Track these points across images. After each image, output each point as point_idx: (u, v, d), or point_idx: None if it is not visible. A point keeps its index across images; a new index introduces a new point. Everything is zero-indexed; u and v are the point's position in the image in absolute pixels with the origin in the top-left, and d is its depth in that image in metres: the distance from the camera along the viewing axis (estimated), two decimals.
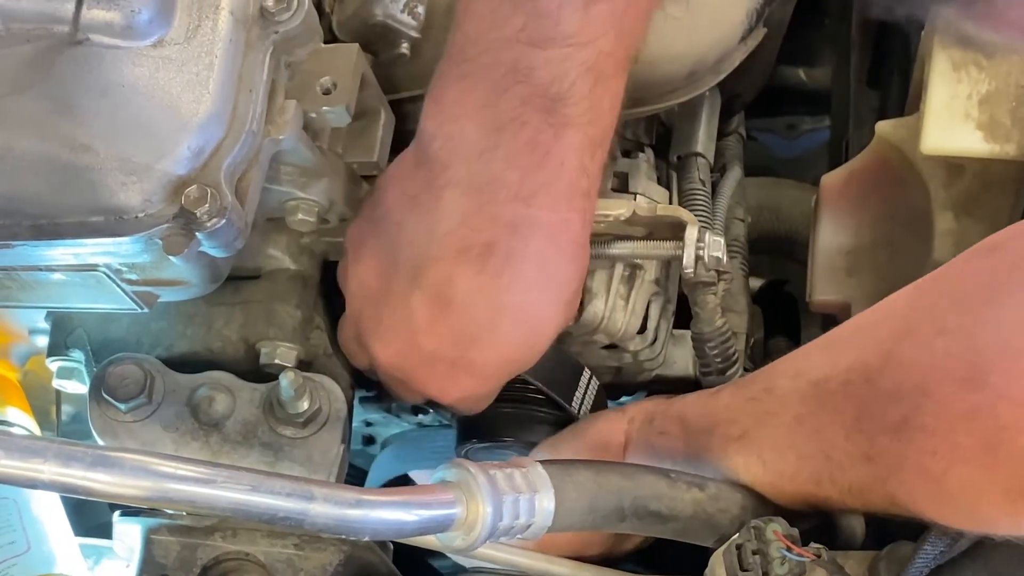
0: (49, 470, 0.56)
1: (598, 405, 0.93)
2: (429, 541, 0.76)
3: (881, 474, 0.71)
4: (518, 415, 0.92)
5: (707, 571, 0.76)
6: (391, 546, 0.89)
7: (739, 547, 0.74)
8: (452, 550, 0.68)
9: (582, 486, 0.71)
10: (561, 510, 0.69)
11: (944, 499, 0.68)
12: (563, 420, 0.92)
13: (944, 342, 0.68)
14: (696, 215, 0.91)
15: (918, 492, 0.70)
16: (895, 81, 1.10)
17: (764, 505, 0.79)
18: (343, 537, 0.82)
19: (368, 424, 1.08)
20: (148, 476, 0.58)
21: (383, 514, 0.62)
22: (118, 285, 0.76)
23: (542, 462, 0.71)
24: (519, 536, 0.69)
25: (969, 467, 0.66)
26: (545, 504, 0.68)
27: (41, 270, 0.75)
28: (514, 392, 0.90)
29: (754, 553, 0.74)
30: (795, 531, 0.75)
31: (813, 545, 0.75)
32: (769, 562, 0.73)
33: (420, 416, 1.05)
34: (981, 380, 0.66)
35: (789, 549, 0.73)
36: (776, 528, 0.74)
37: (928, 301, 0.73)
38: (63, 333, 0.89)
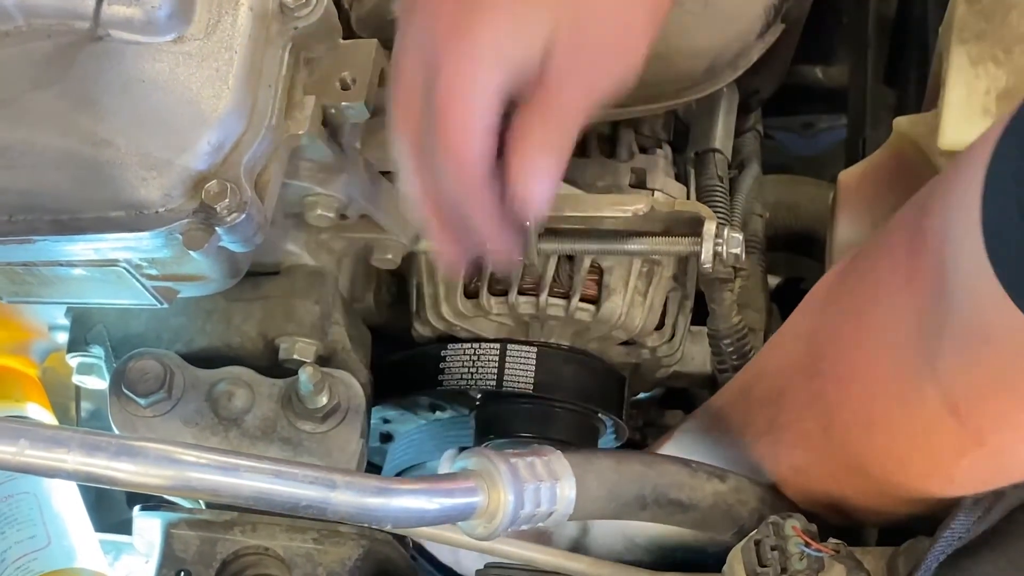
0: (73, 459, 0.57)
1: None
2: (447, 537, 0.77)
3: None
4: (536, 410, 0.92)
5: (725, 567, 0.77)
6: (410, 541, 0.89)
7: (757, 543, 0.74)
8: (473, 538, 0.68)
9: (603, 474, 0.71)
10: (582, 498, 0.69)
11: (812, 487, 0.75)
12: (582, 415, 0.92)
13: (795, 345, 0.76)
14: (714, 211, 0.91)
15: (789, 487, 0.78)
16: (912, 78, 1.10)
17: (784, 500, 0.79)
18: (364, 529, 0.82)
19: (386, 421, 1.08)
20: (171, 465, 0.58)
21: (405, 502, 0.62)
22: (138, 280, 0.76)
23: (563, 450, 0.71)
24: (540, 524, 0.69)
25: (815, 451, 0.74)
26: (566, 492, 0.69)
27: (61, 265, 0.75)
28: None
29: (772, 549, 0.74)
30: (813, 527, 0.75)
31: (832, 541, 0.75)
32: (788, 558, 0.73)
33: (437, 412, 1.05)
34: (816, 369, 0.72)
35: (808, 545, 0.73)
36: (795, 524, 0.74)
37: (797, 311, 0.79)
38: (83, 329, 0.89)
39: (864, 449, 0.72)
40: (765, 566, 0.73)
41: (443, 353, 0.93)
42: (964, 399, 0.63)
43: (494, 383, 0.91)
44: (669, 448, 0.89)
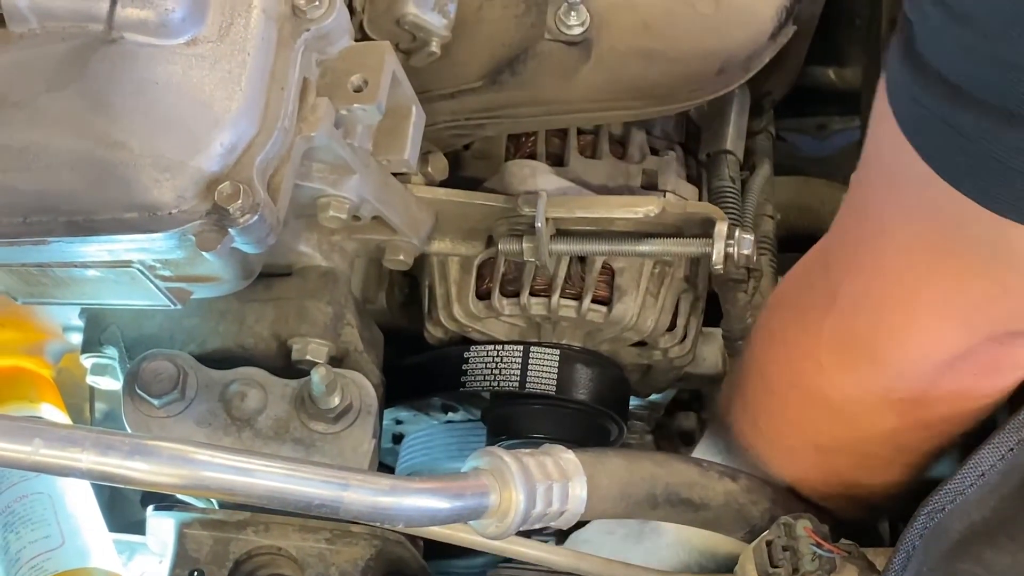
0: (87, 459, 0.57)
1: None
2: (459, 537, 0.77)
3: None
4: (548, 412, 0.92)
5: (737, 567, 0.77)
6: (421, 542, 0.89)
7: (769, 543, 0.74)
8: (485, 537, 0.68)
9: (614, 473, 0.71)
10: (594, 497, 0.69)
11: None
12: (593, 417, 0.93)
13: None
14: (726, 212, 0.91)
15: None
16: None
17: (796, 500, 0.79)
18: (376, 529, 0.83)
19: (398, 422, 1.08)
20: (185, 464, 0.58)
21: (417, 501, 0.62)
22: (152, 281, 0.76)
23: (574, 449, 0.71)
24: (552, 524, 0.69)
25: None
26: (578, 491, 0.69)
27: (76, 267, 0.76)
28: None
29: (784, 549, 0.74)
30: (825, 528, 0.75)
31: (843, 541, 0.75)
32: (799, 558, 0.73)
33: (449, 414, 1.06)
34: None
35: (819, 545, 0.73)
36: (806, 524, 0.74)
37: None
38: (97, 330, 0.90)
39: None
40: (777, 567, 0.73)
41: (466, 355, 0.93)
42: (831, 249, 0.74)
43: (517, 384, 0.91)
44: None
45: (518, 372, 0.91)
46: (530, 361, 0.92)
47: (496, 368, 0.92)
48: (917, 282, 0.66)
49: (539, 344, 0.92)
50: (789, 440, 0.81)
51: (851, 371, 0.74)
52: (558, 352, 0.92)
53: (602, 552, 0.85)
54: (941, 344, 0.69)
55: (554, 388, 0.91)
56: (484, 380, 0.93)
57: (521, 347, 0.92)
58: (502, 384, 0.92)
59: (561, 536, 0.96)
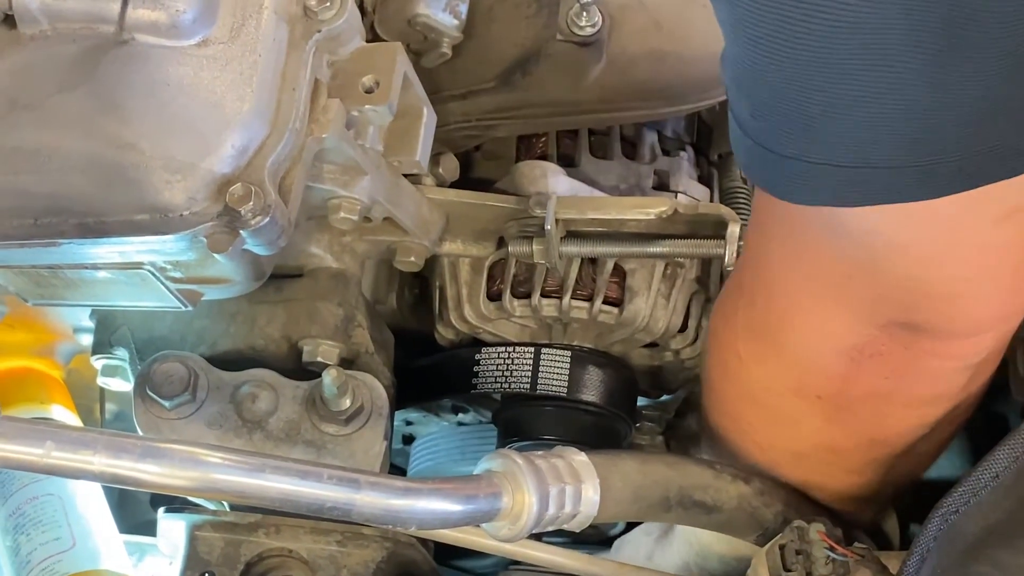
0: (99, 461, 0.57)
1: None
2: (470, 540, 0.77)
3: None
4: (560, 413, 0.92)
5: (750, 571, 0.76)
6: (432, 544, 0.89)
7: (782, 547, 0.74)
8: (498, 540, 0.68)
9: (627, 476, 0.71)
10: (607, 499, 0.69)
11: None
12: (604, 418, 0.92)
13: None
14: (738, 213, 0.91)
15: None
16: None
17: (809, 503, 0.79)
18: (387, 531, 0.83)
19: (408, 423, 1.08)
20: (197, 467, 0.58)
21: (429, 503, 0.62)
22: (163, 283, 0.76)
23: (587, 451, 0.71)
24: (564, 526, 0.69)
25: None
26: (590, 494, 0.69)
27: (87, 268, 0.76)
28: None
29: (797, 553, 0.73)
30: (839, 531, 0.75)
31: (857, 545, 0.75)
32: (813, 562, 0.73)
33: (460, 415, 1.06)
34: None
35: (833, 549, 0.73)
36: (820, 528, 0.74)
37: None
38: (107, 331, 0.90)
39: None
40: (790, 570, 0.73)
41: (477, 357, 0.93)
42: (744, 244, 0.79)
43: (528, 386, 0.91)
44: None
45: (529, 374, 0.91)
46: (541, 362, 0.92)
47: (508, 370, 0.92)
48: (794, 268, 0.71)
49: (550, 345, 0.92)
50: (737, 442, 0.83)
51: (763, 361, 0.77)
52: (569, 353, 0.92)
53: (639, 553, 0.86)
54: (831, 329, 0.72)
55: (565, 389, 0.91)
56: (495, 382, 0.93)
57: (532, 348, 0.92)
58: (513, 386, 0.92)
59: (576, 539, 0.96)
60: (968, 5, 0.52)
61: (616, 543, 0.95)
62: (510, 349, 0.92)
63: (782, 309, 0.74)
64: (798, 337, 0.74)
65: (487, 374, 0.93)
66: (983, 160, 0.58)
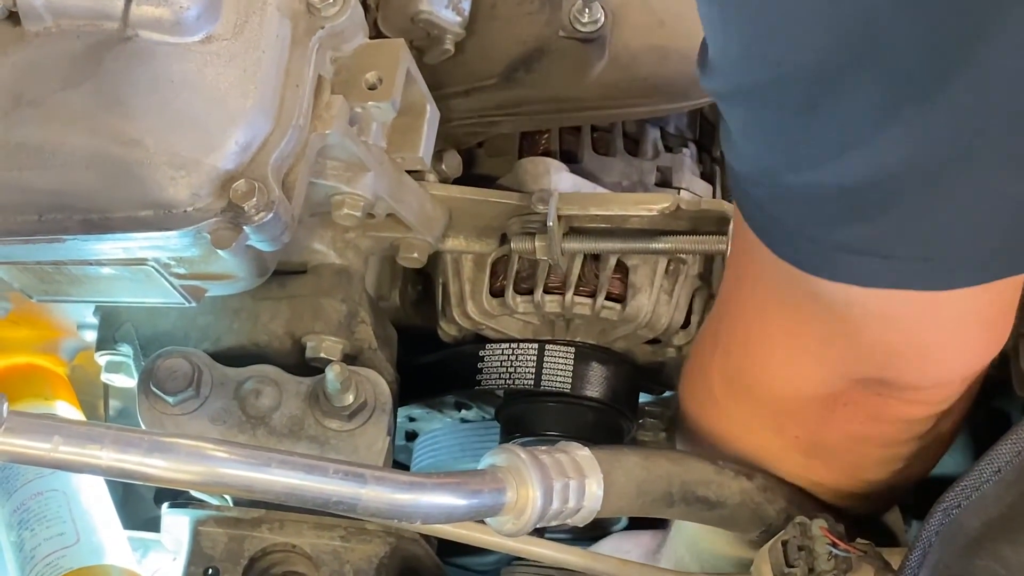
0: (107, 456, 0.57)
1: None
2: (473, 536, 0.77)
3: None
4: (563, 409, 0.92)
5: (753, 568, 0.76)
6: (435, 540, 0.89)
7: (784, 543, 0.74)
8: (502, 534, 0.68)
9: (630, 471, 0.71)
10: (610, 494, 0.69)
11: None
12: (607, 414, 0.92)
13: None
14: None
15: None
16: None
17: (812, 499, 0.79)
18: (391, 528, 0.83)
19: (411, 420, 1.08)
20: (204, 461, 0.58)
21: (434, 498, 0.62)
22: (166, 279, 0.76)
23: (590, 447, 0.71)
24: (568, 521, 0.69)
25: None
26: (594, 488, 0.69)
27: (91, 264, 0.76)
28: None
29: (800, 549, 0.73)
30: (841, 527, 0.75)
31: (859, 541, 0.75)
32: (815, 558, 0.73)
33: (463, 412, 1.06)
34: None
35: (835, 545, 0.73)
36: (822, 524, 0.74)
37: None
38: (111, 327, 0.90)
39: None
40: (792, 566, 0.73)
41: (481, 353, 0.93)
42: (718, 293, 0.81)
43: (532, 382, 0.91)
44: None
45: (533, 370, 0.91)
46: (545, 359, 0.92)
47: (511, 366, 0.92)
48: (772, 324, 0.72)
49: (554, 342, 0.92)
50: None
51: (740, 404, 0.79)
52: (574, 349, 0.92)
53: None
54: (803, 380, 0.74)
55: (569, 385, 0.91)
56: (499, 378, 0.93)
57: (536, 345, 0.92)
58: (518, 382, 0.92)
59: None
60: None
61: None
62: (514, 345, 0.93)
63: (759, 361, 0.76)
64: (775, 386, 0.76)
65: (491, 370, 0.93)
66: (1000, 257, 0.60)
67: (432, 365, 0.97)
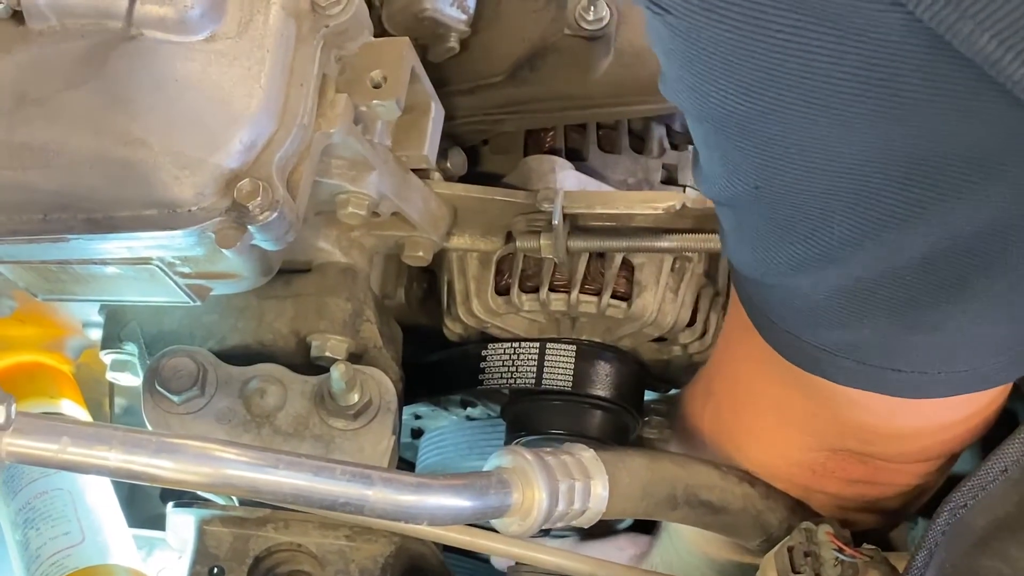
0: (115, 457, 0.57)
1: None
2: (477, 544, 0.77)
3: None
4: (568, 408, 0.92)
5: (758, 573, 0.76)
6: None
7: (790, 549, 0.74)
8: (508, 535, 0.68)
9: (636, 473, 0.71)
10: (615, 496, 0.69)
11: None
12: (612, 412, 0.92)
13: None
14: None
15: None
16: None
17: (812, 513, 0.79)
18: (397, 527, 0.83)
19: (417, 417, 1.08)
20: (211, 462, 0.58)
21: (441, 500, 0.62)
22: (171, 278, 0.76)
23: (596, 448, 0.71)
24: (573, 522, 0.69)
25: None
26: (599, 490, 0.69)
27: (95, 263, 0.76)
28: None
29: (806, 555, 0.73)
30: (847, 532, 0.75)
31: (866, 546, 0.75)
32: (821, 564, 0.73)
33: (468, 409, 1.06)
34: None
35: (841, 550, 0.72)
36: (828, 529, 0.74)
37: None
38: (116, 326, 0.90)
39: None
40: (799, 572, 0.73)
41: (484, 353, 0.93)
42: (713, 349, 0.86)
43: (533, 381, 0.91)
44: None
45: (535, 369, 0.91)
46: (546, 357, 0.92)
47: (513, 365, 0.92)
48: (758, 391, 0.75)
49: (555, 340, 0.92)
50: None
51: (729, 455, 0.81)
52: (574, 347, 0.91)
53: None
54: (789, 447, 0.76)
55: (571, 383, 0.91)
56: (501, 378, 0.93)
57: (537, 344, 0.92)
58: (519, 381, 0.92)
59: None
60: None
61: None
62: (516, 345, 0.92)
63: (747, 425, 0.78)
64: (761, 449, 0.78)
65: (493, 370, 0.93)
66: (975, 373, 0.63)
67: (436, 364, 0.97)
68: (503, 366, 0.92)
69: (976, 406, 0.70)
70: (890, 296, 0.58)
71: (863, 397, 0.66)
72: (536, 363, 0.91)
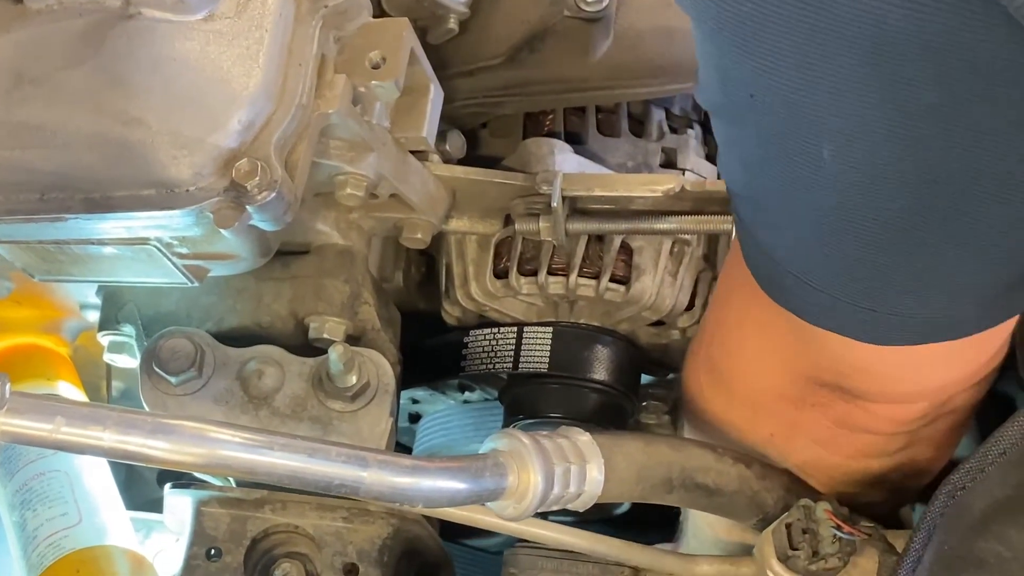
0: (109, 437, 0.57)
1: None
2: (476, 519, 0.77)
3: None
4: (565, 391, 0.92)
5: (755, 550, 0.76)
6: (438, 521, 0.89)
7: (788, 526, 0.74)
8: (503, 518, 0.68)
9: (631, 456, 0.71)
10: (611, 479, 0.69)
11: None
12: (609, 395, 0.92)
13: None
14: None
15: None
16: None
17: (809, 489, 0.79)
18: (393, 509, 0.83)
19: (415, 401, 1.08)
20: (206, 443, 0.58)
21: (436, 482, 0.62)
22: (169, 259, 0.76)
23: (592, 431, 0.71)
24: (569, 505, 0.69)
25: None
26: (595, 473, 0.68)
27: (93, 244, 0.76)
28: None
29: (804, 532, 0.73)
30: (845, 509, 0.75)
31: (864, 524, 0.75)
32: (819, 541, 0.73)
33: (466, 393, 1.06)
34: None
35: (839, 527, 0.72)
36: (826, 506, 0.74)
37: None
38: (114, 307, 0.90)
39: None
40: (796, 549, 0.73)
41: (466, 340, 0.94)
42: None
43: (511, 365, 0.91)
44: None
45: (512, 353, 0.92)
46: (523, 341, 0.92)
47: (492, 351, 0.93)
48: (744, 316, 0.75)
49: (533, 324, 0.92)
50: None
51: (719, 395, 0.81)
52: (550, 330, 0.92)
53: None
54: (772, 376, 0.76)
55: (546, 365, 0.91)
56: (482, 363, 0.93)
57: (515, 328, 0.92)
58: (498, 365, 0.92)
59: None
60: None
61: None
62: (495, 330, 0.93)
63: (733, 351, 0.78)
64: (746, 381, 0.78)
65: (474, 356, 0.93)
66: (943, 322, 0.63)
67: (425, 352, 0.98)
68: (483, 352, 0.93)
69: (958, 355, 0.69)
70: (867, 225, 0.57)
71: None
72: (514, 347, 0.92)
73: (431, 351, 0.98)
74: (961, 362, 0.71)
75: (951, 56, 0.47)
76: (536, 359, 0.91)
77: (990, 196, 0.53)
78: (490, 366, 0.93)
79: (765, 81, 0.54)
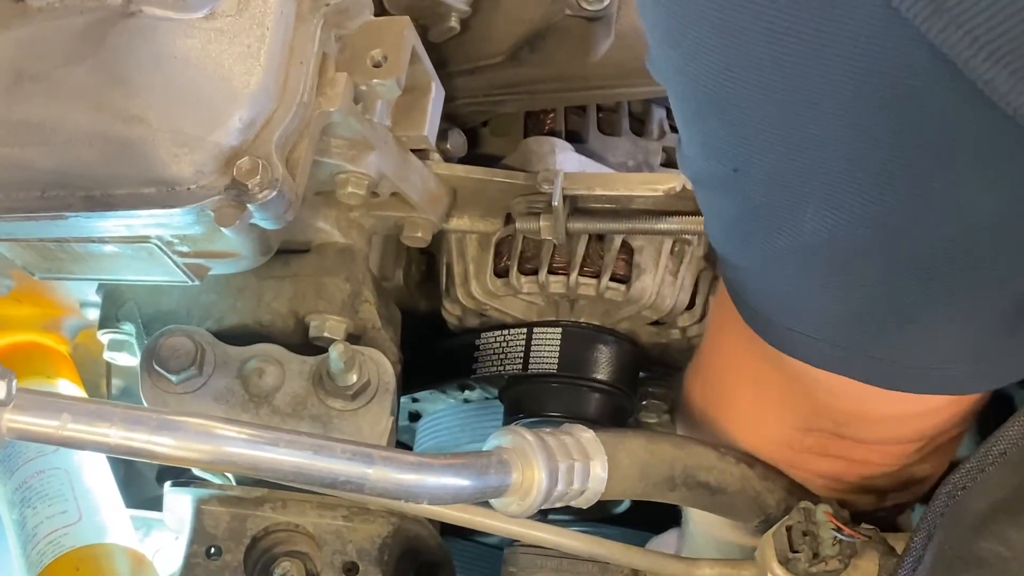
0: (116, 434, 0.57)
1: None
2: (476, 522, 0.77)
3: None
4: (565, 389, 0.92)
5: (756, 553, 0.76)
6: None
7: (789, 528, 0.74)
8: (507, 515, 0.68)
9: (634, 454, 0.71)
10: (614, 477, 0.69)
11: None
12: (611, 394, 0.92)
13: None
14: None
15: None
16: None
17: (810, 494, 0.79)
18: (394, 507, 0.82)
19: (415, 400, 1.08)
20: (212, 440, 0.58)
21: (441, 479, 0.62)
22: (169, 257, 0.76)
23: (595, 429, 0.71)
24: (572, 502, 0.69)
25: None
26: (598, 471, 0.69)
27: (93, 242, 0.76)
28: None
29: (804, 534, 0.73)
30: (845, 512, 0.75)
31: (864, 526, 0.75)
32: (820, 543, 0.73)
33: (466, 392, 1.05)
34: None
35: (840, 530, 0.72)
36: (827, 509, 0.74)
37: None
38: (114, 305, 0.90)
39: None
40: (797, 551, 0.73)
41: (477, 342, 0.94)
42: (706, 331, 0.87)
43: (521, 366, 0.91)
44: None
45: (522, 354, 0.92)
46: (533, 341, 0.92)
47: (503, 352, 0.93)
48: (739, 367, 0.77)
49: (542, 324, 0.92)
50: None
51: (717, 431, 0.82)
52: (560, 331, 0.91)
53: None
54: (768, 425, 0.77)
55: (556, 366, 0.91)
56: (492, 366, 0.93)
57: (525, 329, 0.92)
58: (508, 367, 0.92)
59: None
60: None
61: None
62: (505, 332, 0.93)
63: (728, 400, 0.79)
64: (741, 427, 0.79)
65: (485, 359, 0.93)
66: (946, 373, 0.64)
67: (432, 356, 0.98)
68: (494, 354, 0.93)
69: (955, 400, 0.70)
70: (860, 286, 0.58)
71: (834, 380, 0.66)
72: (524, 347, 0.92)
73: (442, 354, 0.98)
74: (958, 406, 0.72)
75: (924, 128, 0.48)
76: (546, 360, 0.91)
77: (959, 263, 0.54)
78: (500, 368, 0.93)
79: (747, 156, 0.55)
